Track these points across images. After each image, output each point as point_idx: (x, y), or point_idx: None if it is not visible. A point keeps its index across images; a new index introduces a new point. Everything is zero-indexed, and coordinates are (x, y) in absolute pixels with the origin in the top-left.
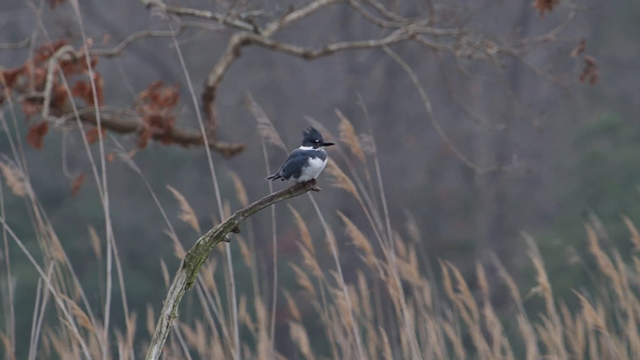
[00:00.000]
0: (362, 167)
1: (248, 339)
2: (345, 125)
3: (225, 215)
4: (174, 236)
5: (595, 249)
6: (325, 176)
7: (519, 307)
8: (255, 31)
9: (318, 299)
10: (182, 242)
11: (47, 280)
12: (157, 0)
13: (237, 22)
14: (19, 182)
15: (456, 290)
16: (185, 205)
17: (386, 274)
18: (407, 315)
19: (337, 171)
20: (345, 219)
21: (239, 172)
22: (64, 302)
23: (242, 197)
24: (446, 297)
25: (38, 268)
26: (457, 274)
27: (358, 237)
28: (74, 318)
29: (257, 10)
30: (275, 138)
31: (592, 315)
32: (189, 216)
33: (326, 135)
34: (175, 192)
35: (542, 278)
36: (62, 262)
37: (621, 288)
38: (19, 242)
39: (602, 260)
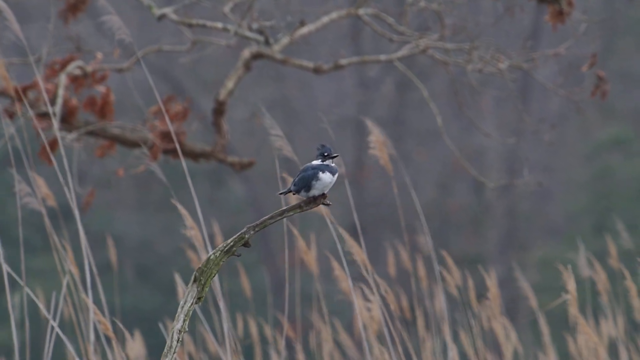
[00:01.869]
0: (377, 180)
1: (260, 353)
2: (375, 137)
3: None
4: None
5: (614, 261)
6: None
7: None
8: (267, 42)
9: (332, 312)
10: (195, 255)
11: (32, 299)
12: (169, 12)
13: (248, 33)
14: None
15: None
16: (189, 220)
17: (386, 290)
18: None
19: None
20: (346, 235)
21: (249, 185)
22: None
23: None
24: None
25: (25, 286)
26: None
27: (359, 254)
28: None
29: (268, 21)
30: (288, 150)
31: (588, 332)
32: (194, 231)
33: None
34: (180, 207)
35: (572, 289)
36: (76, 276)
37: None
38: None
39: (601, 275)
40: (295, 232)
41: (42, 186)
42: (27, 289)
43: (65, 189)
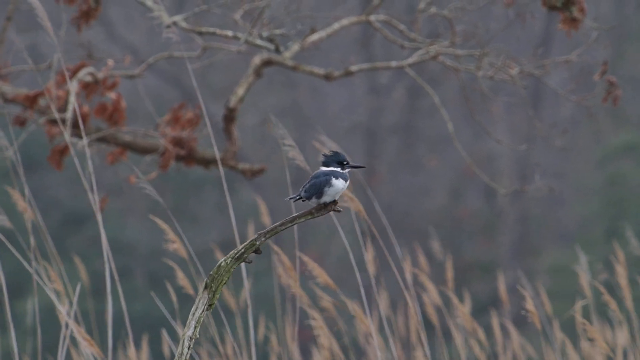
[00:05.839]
0: (380, 188)
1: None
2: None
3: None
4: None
5: (621, 268)
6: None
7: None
8: (277, 50)
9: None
10: (203, 263)
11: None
12: (179, 19)
13: (259, 42)
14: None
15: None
16: (171, 235)
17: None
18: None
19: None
20: (305, 258)
21: (260, 192)
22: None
23: (266, 219)
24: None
25: (51, 292)
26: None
27: (321, 275)
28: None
29: (278, 29)
30: (301, 160)
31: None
32: (176, 245)
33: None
34: (159, 221)
35: (530, 305)
36: (64, 292)
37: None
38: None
39: (622, 279)
40: (295, 244)
41: (19, 200)
42: (50, 294)
43: (89, 193)
